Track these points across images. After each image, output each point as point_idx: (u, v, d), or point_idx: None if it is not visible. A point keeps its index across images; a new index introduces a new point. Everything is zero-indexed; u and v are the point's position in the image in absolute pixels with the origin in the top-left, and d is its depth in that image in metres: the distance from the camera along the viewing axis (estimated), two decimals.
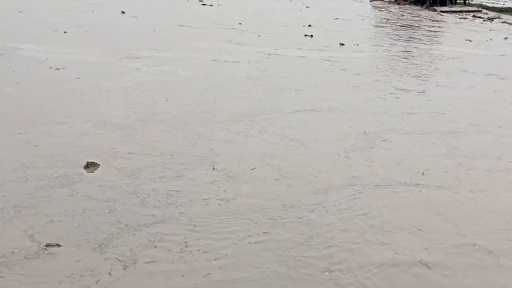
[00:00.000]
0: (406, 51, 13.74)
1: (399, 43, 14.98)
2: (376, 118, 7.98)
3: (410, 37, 16.08)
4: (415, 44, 14.84)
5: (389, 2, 27.05)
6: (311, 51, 12.99)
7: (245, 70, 10.59)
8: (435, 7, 24.61)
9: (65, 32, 12.93)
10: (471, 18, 22.43)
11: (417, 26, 18.84)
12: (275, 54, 12.35)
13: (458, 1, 26.04)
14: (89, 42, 12.17)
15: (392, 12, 23.34)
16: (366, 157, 6.45)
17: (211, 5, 20.94)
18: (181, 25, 15.48)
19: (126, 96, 8.32)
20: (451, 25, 19.93)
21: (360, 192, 5.51)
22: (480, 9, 25.18)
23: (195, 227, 4.68)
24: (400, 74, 11.10)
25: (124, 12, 16.94)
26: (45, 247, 4.25)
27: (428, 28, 18.43)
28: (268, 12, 20.17)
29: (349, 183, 5.70)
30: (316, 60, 12.02)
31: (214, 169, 5.82)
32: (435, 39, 16.33)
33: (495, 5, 26.94)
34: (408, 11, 23.87)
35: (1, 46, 10.94)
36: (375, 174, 5.98)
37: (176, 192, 5.28)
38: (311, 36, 15.07)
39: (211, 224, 4.75)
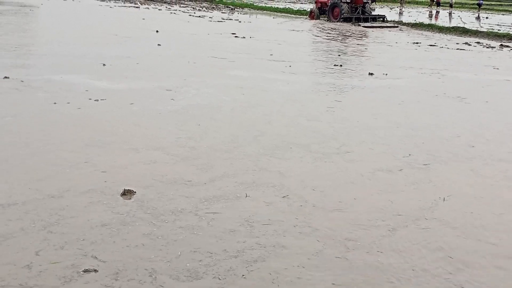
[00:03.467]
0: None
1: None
2: None
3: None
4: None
5: (323, 20, 31.52)
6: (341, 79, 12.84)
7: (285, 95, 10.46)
8: (359, 23, 29.63)
9: (103, 64, 12.95)
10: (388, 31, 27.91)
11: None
12: (308, 82, 12.21)
13: (378, 19, 31.47)
14: (127, 73, 12.16)
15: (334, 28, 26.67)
16: None
17: (243, 37, 20.96)
18: (214, 57, 15.45)
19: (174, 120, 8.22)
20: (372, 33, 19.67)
21: None
22: (396, 25, 30.50)
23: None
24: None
25: (160, 45, 17.00)
26: None
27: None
28: (294, 42, 20.13)
29: None
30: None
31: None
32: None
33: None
34: (342, 26, 28.69)
35: (40, 79, 10.97)
36: None
37: None
38: (341, 65, 14.95)
39: None
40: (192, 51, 16.22)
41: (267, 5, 44.03)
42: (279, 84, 11.95)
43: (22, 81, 10.62)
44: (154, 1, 41.76)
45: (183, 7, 37.42)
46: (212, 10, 36.76)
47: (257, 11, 38.40)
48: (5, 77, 10.78)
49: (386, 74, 13.93)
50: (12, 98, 9.37)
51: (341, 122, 8.92)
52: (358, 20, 30.44)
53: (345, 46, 20.25)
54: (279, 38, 21.72)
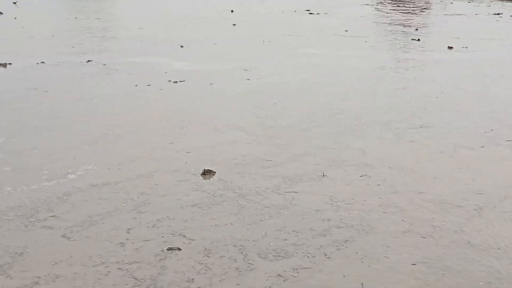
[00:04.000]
0: None
1: None
2: None
3: None
4: None
5: None
6: (424, 53, 12.55)
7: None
8: None
9: (181, 46, 13.16)
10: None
11: None
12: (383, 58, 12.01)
13: None
14: (204, 54, 12.32)
15: None
16: None
17: (317, 13, 20.76)
18: (289, 34, 15.40)
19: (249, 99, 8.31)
20: None
21: None
22: None
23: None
24: None
25: (235, 25, 17.09)
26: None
27: None
28: (369, 17, 19.76)
29: None
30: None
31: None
32: None
33: None
34: None
35: (120, 62, 11.26)
36: None
37: None
38: (418, 40, 14.59)
39: None
40: (266, 30, 16.22)
41: None
42: (355, 60, 11.81)
43: (104, 64, 10.95)
44: None
45: None
46: None
47: None
48: (89, 61, 11.15)
49: (466, 47, 13.51)
50: (96, 81, 9.70)
51: (420, 98, 8.76)
52: None
53: (422, 19, 19.72)
54: (353, 13, 21.38)
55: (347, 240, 4.40)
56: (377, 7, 23.93)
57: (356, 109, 8.10)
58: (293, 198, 5.14)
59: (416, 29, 16.69)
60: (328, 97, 8.80)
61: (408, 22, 18.80)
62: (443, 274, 3.98)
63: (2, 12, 18.72)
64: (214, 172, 5.65)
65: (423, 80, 10.11)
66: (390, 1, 26.09)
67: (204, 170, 5.66)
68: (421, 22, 18.77)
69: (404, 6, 24.28)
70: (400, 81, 9.98)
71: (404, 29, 16.99)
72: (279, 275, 3.94)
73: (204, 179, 5.53)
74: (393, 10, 22.89)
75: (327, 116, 7.74)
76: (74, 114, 7.71)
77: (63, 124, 7.25)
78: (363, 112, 7.97)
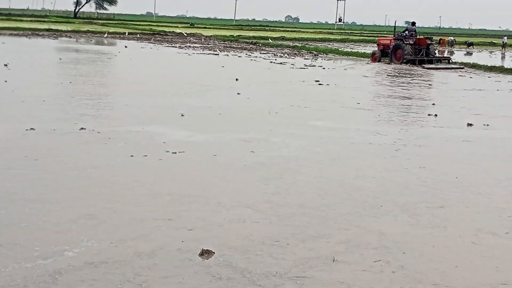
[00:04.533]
0: None
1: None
2: None
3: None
4: None
5: (385, 63, 32.79)
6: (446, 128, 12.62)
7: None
8: (423, 65, 31.03)
9: (182, 115, 13.29)
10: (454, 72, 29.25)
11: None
12: (396, 132, 12.08)
13: (443, 61, 33.31)
14: (206, 124, 12.42)
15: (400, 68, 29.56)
16: None
17: (327, 84, 21.06)
18: (297, 105, 15.57)
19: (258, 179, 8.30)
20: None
21: None
22: (462, 66, 31.96)
23: None
24: None
25: (240, 94, 17.32)
26: None
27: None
28: (378, 89, 20.01)
29: None
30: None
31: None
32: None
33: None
34: (411, 69, 30.00)
35: (115, 130, 11.34)
36: None
37: None
38: (435, 115, 14.71)
39: None
40: (273, 100, 16.43)
41: (353, 50, 44.20)
42: (368, 135, 11.88)
43: (98, 132, 11.02)
44: (233, 48, 42.71)
45: (263, 53, 38.09)
46: (294, 56, 37.22)
47: (342, 57, 38.57)
48: (82, 128, 11.23)
49: (488, 125, 13.61)
50: (89, 150, 9.74)
51: (438, 177, 8.75)
52: (422, 62, 31.80)
53: (438, 92, 19.97)
54: (364, 85, 21.70)
55: None
56: (386, 78, 24.30)
57: (370, 188, 8.08)
58: (303, 284, 5.06)
59: (433, 104, 16.87)
60: (340, 174, 8.80)
61: (424, 96, 19.03)
62: None
63: None
64: (213, 252, 5.59)
65: (441, 158, 10.13)
66: (395, 74, 26.57)
67: (203, 250, 5.61)
68: (437, 96, 18.98)
69: (414, 79, 24.65)
70: (416, 158, 9.99)
71: (419, 103, 17.18)
72: None
73: (203, 259, 5.46)
74: (405, 82, 23.22)
75: (340, 195, 7.73)
76: (67, 185, 7.72)
77: (56, 196, 7.25)
78: (378, 191, 7.96)
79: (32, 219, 6.39)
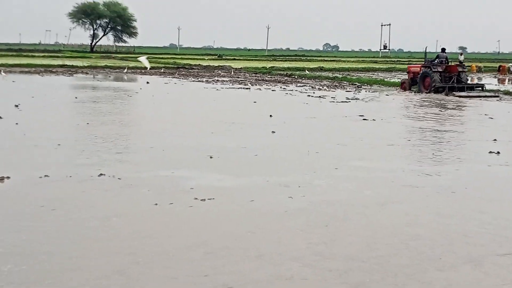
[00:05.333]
0: None
1: None
2: None
3: None
4: None
5: (412, 92, 33.96)
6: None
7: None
8: (454, 93, 31.92)
9: (210, 157, 13.38)
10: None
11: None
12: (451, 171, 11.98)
13: (476, 88, 33.97)
14: (237, 167, 12.50)
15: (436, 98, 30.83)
16: None
17: (373, 119, 21.03)
18: (338, 143, 15.57)
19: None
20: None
21: None
22: (497, 94, 32.52)
23: None
24: None
25: (274, 132, 17.39)
26: None
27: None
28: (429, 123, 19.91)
29: None
30: None
31: None
32: None
33: None
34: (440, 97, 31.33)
35: (137, 176, 11.45)
36: None
37: None
38: (498, 153, 14.54)
39: None
40: (312, 139, 16.47)
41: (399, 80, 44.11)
42: (420, 176, 11.83)
43: (119, 178, 11.16)
44: (266, 81, 42.98)
45: (300, 86, 38.24)
46: (335, 88, 37.26)
47: (389, 88, 38.52)
48: (101, 174, 11.38)
49: None
50: (110, 198, 9.87)
51: (500, 223, 8.63)
52: (452, 90, 32.72)
53: (494, 127, 19.79)
54: (409, 119, 21.60)
55: None
56: (427, 109, 24.17)
57: (425, 236, 8.05)
58: None
59: (495, 140, 16.68)
60: (390, 221, 8.77)
61: (478, 129, 18.86)
62: None
63: (2, 116, 19.40)
64: None
65: (504, 201, 10.00)
66: (433, 104, 26.43)
67: None
68: (494, 131, 18.79)
69: (463, 110, 24.44)
70: (475, 202, 9.88)
71: (476, 138, 17.01)
72: None
73: None
74: (452, 114, 23.06)
75: (394, 245, 7.71)
76: (90, 237, 7.84)
77: (79, 249, 7.36)
78: (435, 239, 7.90)
79: (57, 277, 6.47)
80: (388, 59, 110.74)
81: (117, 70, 56.13)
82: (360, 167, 12.68)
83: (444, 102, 28.61)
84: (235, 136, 16.69)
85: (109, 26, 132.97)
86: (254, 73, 54.10)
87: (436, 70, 33.53)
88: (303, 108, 25.35)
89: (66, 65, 58.81)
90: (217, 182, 11.11)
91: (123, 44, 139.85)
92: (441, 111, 24.72)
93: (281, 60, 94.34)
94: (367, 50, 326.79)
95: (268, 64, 70.98)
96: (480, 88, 34.24)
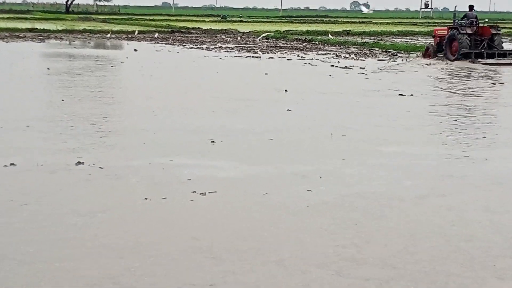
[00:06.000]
0: None
1: None
2: None
3: None
4: None
5: (438, 59, 34.32)
6: None
7: None
8: (480, 60, 32.53)
9: (212, 141, 13.36)
10: None
11: None
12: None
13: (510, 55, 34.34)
14: (244, 154, 12.51)
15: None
16: None
17: (411, 95, 20.94)
18: (369, 124, 15.51)
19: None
20: None
21: None
22: None
23: None
24: None
25: (290, 110, 17.33)
26: None
27: None
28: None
29: None
30: None
31: None
32: None
33: None
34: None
35: (122, 165, 11.47)
36: None
37: None
38: None
39: None
40: (335, 118, 16.46)
41: None
42: (467, 164, 11.83)
43: (101, 167, 11.17)
44: (281, 48, 42.86)
45: (321, 54, 38.10)
46: (364, 56, 37.15)
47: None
48: (79, 163, 11.37)
49: None
50: (90, 191, 9.88)
51: None
52: (479, 56, 33.23)
53: None
54: (454, 96, 21.52)
55: None
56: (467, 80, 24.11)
57: (477, 237, 8.04)
58: None
59: None
60: (432, 217, 8.79)
61: None
62: None
63: None
64: None
65: None
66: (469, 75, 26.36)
67: None
68: None
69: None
70: None
71: None
72: None
73: None
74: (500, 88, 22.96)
75: (440, 247, 7.70)
76: (70, 238, 7.85)
77: (60, 251, 7.39)
78: (490, 241, 7.90)
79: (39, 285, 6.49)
80: (430, 21, 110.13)
81: (98, 35, 56.14)
82: (395, 152, 12.64)
83: (471, 70, 28.61)
84: (241, 116, 16.67)
85: None
86: (266, 39, 53.97)
87: (464, 32, 33.68)
88: (325, 81, 25.31)
89: (36, 28, 58.90)
90: (220, 172, 11.09)
91: (105, 3, 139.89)
92: (488, 83, 24.65)
93: (298, 22, 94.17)
94: (404, 10, 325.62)
95: (283, 27, 70.92)
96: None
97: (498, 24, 37.60)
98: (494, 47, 34.19)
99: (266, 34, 55.45)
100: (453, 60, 33.18)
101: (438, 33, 36.82)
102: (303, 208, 9.11)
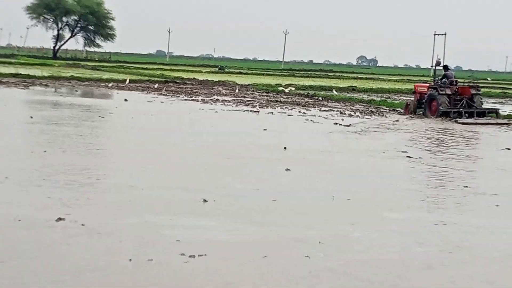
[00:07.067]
0: None
1: None
2: None
3: None
4: None
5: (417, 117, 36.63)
6: None
7: None
8: (457, 120, 34.27)
9: (204, 200, 13.36)
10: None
11: None
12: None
13: (489, 114, 36.97)
14: (239, 215, 12.48)
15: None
16: None
17: (419, 157, 20.99)
18: (375, 188, 15.54)
19: None
20: None
21: None
22: (508, 122, 35.08)
23: None
24: None
25: (289, 169, 17.36)
26: None
27: None
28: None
29: None
30: None
31: None
32: None
33: None
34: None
35: (106, 222, 11.44)
36: None
37: None
38: None
39: None
40: (336, 181, 16.48)
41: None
42: (483, 234, 11.84)
43: (83, 224, 11.14)
44: (281, 103, 43.03)
45: (324, 111, 38.26)
46: (371, 115, 37.28)
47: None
48: (59, 219, 11.34)
49: None
50: (70, 250, 9.84)
51: None
52: (459, 115, 35.43)
53: None
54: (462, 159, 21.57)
55: None
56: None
57: None
58: None
59: None
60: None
61: None
62: None
63: None
64: None
65: None
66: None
67: None
68: None
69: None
70: None
71: None
72: None
73: None
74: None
75: None
76: None
77: None
78: None
79: None
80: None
81: (86, 82, 56.34)
82: (398, 219, 12.67)
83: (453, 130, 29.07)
84: (236, 175, 16.65)
85: (79, 25, 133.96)
86: (266, 92, 54.23)
87: (443, 92, 36.19)
88: (327, 139, 25.36)
89: (21, 74, 59.14)
90: (211, 234, 11.06)
91: (96, 50, 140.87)
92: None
93: (301, 76, 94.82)
94: (414, 67, 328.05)
95: (284, 81, 71.24)
96: (495, 114, 37.19)
97: (478, 84, 40.05)
98: (473, 106, 36.49)
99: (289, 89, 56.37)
100: (434, 118, 35.36)
101: (418, 90, 39.75)
102: (305, 275, 9.10)
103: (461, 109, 35.76)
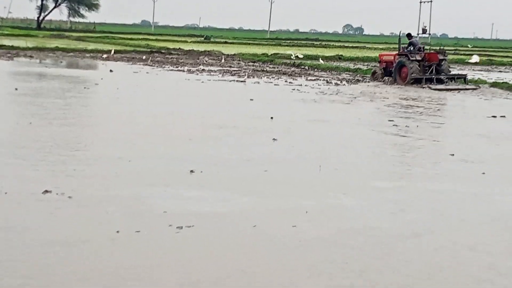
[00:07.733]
0: None
1: None
2: None
3: None
4: None
5: (385, 83, 37.41)
6: None
7: None
8: (430, 86, 35.58)
9: (191, 171, 13.35)
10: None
11: None
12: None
13: (458, 79, 38.44)
14: (226, 186, 12.48)
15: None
16: None
17: (406, 126, 21.01)
18: (365, 156, 15.55)
19: None
20: None
21: None
22: (478, 86, 36.71)
23: None
24: None
25: (276, 139, 17.36)
26: None
27: None
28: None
29: None
30: None
31: None
32: None
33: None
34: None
35: (93, 194, 11.43)
36: None
37: None
38: None
39: None
40: (326, 149, 16.46)
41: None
42: (471, 201, 11.88)
43: (69, 197, 11.13)
44: (267, 72, 42.96)
45: (311, 80, 38.21)
46: (357, 83, 37.33)
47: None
48: (46, 191, 11.31)
49: None
50: (57, 222, 9.85)
51: None
52: (429, 81, 36.60)
53: None
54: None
55: None
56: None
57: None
58: None
59: None
60: (436, 255, 8.76)
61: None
62: None
63: None
64: None
65: None
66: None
67: None
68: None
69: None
70: None
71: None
72: None
73: None
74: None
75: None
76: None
77: None
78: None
79: None
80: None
81: (71, 53, 56.09)
82: (387, 188, 12.72)
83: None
84: (222, 145, 16.62)
85: None
86: (252, 62, 54.09)
87: (414, 59, 36.99)
88: (314, 108, 25.35)
89: (4, 45, 58.84)
90: (199, 204, 11.06)
91: (81, 20, 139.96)
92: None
93: (287, 45, 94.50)
94: (401, 35, 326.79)
95: (270, 50, 71.00)
96: (463, 79, 38.36)
97: (445, 50, 41.21)
98: (442, 72, 37.68)
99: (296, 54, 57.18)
100: (404, 85, 36.12)
101: (384, 59, 40.39)
102: (296, 245, 9.11)
103: (433, 76, 36.83)
